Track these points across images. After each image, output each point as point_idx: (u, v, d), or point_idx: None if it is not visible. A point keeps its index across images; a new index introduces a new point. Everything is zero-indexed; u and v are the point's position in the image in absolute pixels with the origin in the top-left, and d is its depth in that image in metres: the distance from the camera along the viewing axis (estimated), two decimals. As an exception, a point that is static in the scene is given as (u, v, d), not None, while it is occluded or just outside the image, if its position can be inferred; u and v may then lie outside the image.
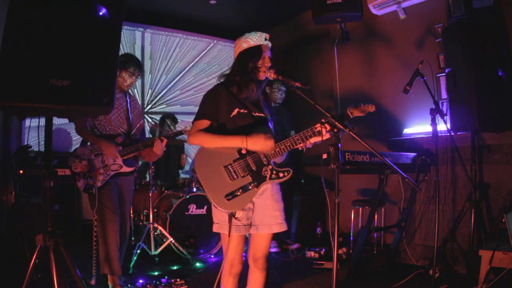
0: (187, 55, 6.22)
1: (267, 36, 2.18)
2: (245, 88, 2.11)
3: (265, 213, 2.10)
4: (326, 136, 2.01)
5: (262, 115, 2.18)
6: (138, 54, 5.72)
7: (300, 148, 2.11)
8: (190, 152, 5.65)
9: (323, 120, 2.00)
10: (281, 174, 2.06)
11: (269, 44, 2.19)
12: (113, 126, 3.04)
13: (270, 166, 2.06)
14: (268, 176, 2.05)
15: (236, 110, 2.09)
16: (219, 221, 2.06)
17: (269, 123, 2.21)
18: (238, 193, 1.99)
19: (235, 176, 2.02)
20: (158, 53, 5.97)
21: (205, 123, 2.10)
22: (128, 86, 3.16)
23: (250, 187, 2.02)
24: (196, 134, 2.08)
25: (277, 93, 4.50)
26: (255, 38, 2.14)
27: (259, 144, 2.01)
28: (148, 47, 5.87)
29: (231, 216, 1.99)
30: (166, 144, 3.10)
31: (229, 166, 2.02)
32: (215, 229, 2.08)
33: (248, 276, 2.21)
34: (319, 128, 2.01)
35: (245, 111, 2.11)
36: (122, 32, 1.92)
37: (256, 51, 2.11)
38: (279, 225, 2.11)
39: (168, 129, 4.97)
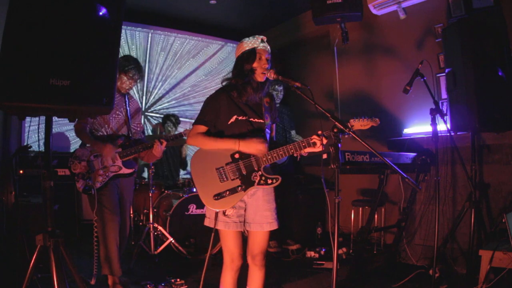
0: (186, 55, 6.23)
1: (264, 38, 2.22)
2: (243, 91, 2.17)
3: (256, 213, 2.17)
4: (321, 148, 2.06)
5: (261, 121, 2.22)
6: (138, 54, 5.72)
7: (295, 155, 2.15)
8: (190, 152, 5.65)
9: (319, 132, 2.06)
10: (269, 181, 2.12)
11: (267, 46, 2.21)
12: (112, 128, 3.03)
13: (260, 172, 2.11)
14: (256, 181, 2.11)
15: (235, 117, 2.16)
16: (210, 216, 2.18)
17: (267, 129, 2.26)
18: (225, 195, 2.09)
19: (225, 179, 2.11)
20: (157, 53, 5.97)
21: (203, 128, 2.21)
22: (127, 90, 3.14)
23: (238, 190, 2.10)
24: (194, 136, 2.21)
25: (272, 93, 4.42)
26: (250, 42, 2.19)
27: (251, 146, 2.10)
28: (147, 47, 5.87)
29: (217, 213, 2.11)
30: (167, 145, 3.10)
31: (221, 168, 2.11)
32: (205, 222, 2.21)
33: (248, 275, 2.25)
34: (315, 140, 2.05)
35: (244, 118, 2.18)
36: (122, 32, 1.92)
37: (250, 54, 2.17)
38: (269, 224, 2.18)
39: (169, 129, 4.96)
